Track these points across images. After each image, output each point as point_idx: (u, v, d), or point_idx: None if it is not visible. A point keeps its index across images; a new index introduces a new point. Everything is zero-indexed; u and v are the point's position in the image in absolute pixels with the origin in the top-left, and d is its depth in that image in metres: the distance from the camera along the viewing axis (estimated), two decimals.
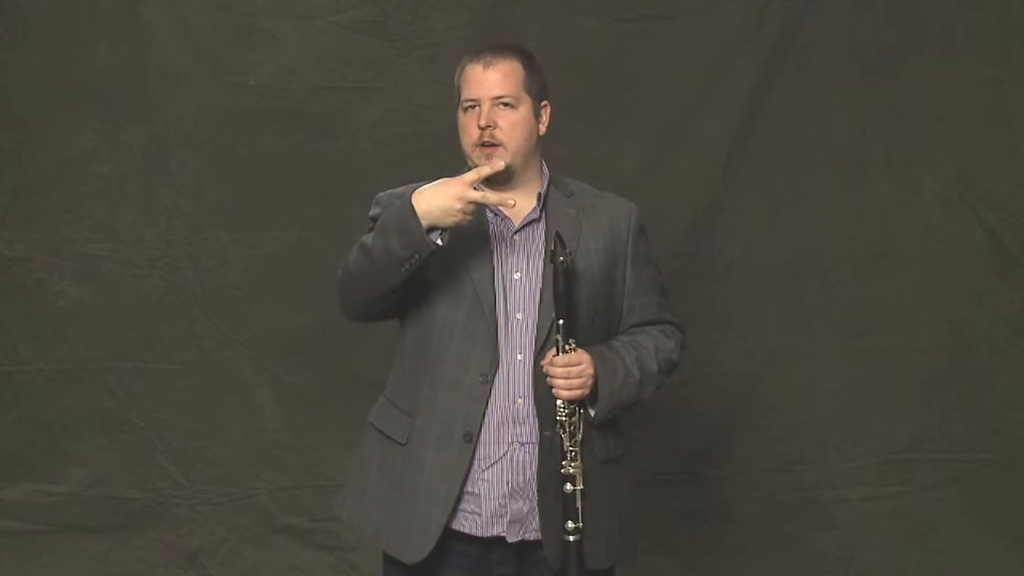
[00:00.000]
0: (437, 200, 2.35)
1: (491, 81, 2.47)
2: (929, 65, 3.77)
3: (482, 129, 2.46)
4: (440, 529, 2.44)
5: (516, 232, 2.51)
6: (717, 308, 3.81)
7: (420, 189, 2.39)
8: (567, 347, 2.39)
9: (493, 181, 2.48)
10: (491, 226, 2.51)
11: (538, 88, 2.53)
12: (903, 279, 3.82)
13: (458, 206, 2.34)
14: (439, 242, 2.36)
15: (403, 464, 2.48)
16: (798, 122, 3.77)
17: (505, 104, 2.47)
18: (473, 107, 2.48)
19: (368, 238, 2.43)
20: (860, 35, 3.77)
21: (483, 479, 2.45)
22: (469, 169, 2.50)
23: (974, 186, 3.80)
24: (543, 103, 2.55)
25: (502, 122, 2.47)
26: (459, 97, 2.52)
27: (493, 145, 2.47)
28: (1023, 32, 3.77)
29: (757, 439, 3.85)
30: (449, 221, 2.35)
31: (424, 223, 2.34)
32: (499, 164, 2.42)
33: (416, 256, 2.36)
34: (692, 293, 3.71)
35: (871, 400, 3.84)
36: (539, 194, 2.53)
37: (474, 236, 2.48)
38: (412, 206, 2.35)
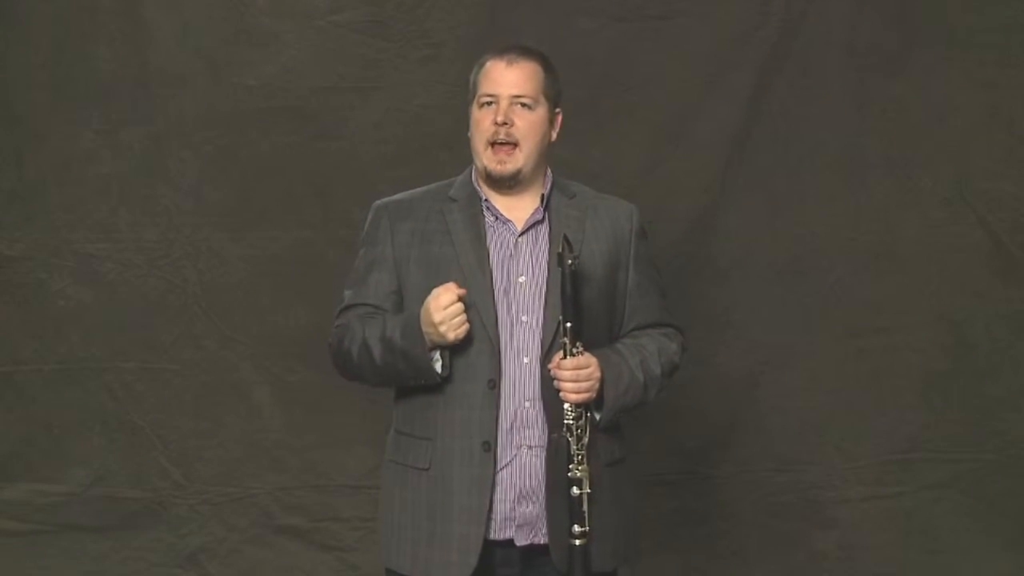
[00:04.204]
0: (425, 326, 2.38)
1: (512, 79, 2.46)
2: (929, 65, 3.77)
3: (498, 125, 2.44)
4: (480, 543, 2.41)
5: (520, 235, 2.49)
6: (717, 308, 3.81)
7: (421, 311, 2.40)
8: (574, 350, 2.37)
9: (500, 182, 2.48)
10: (490, 232, 2.50)
11: (555, 94, 2.52)
12: (903, 279, 3.82)
13: (438, 317, 2.34)
14: (439, 370, 2.40)
15: (428, 489, 2.46)
16: (798, 122, 3.77)
17: (523, 104, 2.46)
18: (490, 103, 2.46)
19: (373, 339, 2.44)
20: (860, 35, 3.77)
21: (495, 483, 2.43)
22: (472, 171, 2.53)
23: (974, 186, 3.80)
24: (557, 110, 2.54)
25: (519, 121, 2.45)
26: (475, 93, 2.50)
27: (507, 144, 2.45)
28: (1023, 32, 3.77)
29: (757, 439, 3.85)
30: (450, 337, 2.36)
31: (428, 345, 2.39)
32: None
33: (423, 380, 2.43)
34: (692, 293, 3.71)
35: (871, 400, 3.84)
36: (542, 195, 2.53)
37: (471, 245, 2.46)
38: (420, 328, 2.38)
